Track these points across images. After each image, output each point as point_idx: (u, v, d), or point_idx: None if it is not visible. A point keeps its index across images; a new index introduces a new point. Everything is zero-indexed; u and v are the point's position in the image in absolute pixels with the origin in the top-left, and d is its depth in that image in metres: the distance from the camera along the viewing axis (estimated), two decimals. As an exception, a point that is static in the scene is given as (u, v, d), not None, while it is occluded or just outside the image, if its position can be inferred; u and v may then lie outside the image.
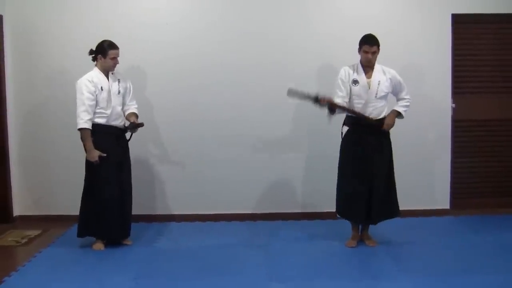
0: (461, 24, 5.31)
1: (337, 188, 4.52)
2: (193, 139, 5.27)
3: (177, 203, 5.33)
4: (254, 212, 5.32)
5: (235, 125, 5.26)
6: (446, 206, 5.43)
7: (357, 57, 4.40)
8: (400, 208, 5.19)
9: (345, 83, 4.31)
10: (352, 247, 4.43)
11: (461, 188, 5.52)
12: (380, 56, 5.05)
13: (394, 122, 4.38)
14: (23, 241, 4.75)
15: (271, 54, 5.21)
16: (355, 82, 4.31)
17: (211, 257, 4.30)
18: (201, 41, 5.20)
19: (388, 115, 4.37)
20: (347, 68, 4.37)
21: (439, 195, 5.42)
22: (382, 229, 4.49)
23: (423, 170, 5.38)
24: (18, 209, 5.35)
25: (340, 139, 4.48)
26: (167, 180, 5.32)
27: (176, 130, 5.26)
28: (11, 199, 5.29)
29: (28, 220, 5.27)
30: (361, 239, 4.55)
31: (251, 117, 5.26)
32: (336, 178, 4.52)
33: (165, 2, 5.19)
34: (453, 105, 5.39)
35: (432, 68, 5.28)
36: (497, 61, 5.46)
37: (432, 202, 5.40)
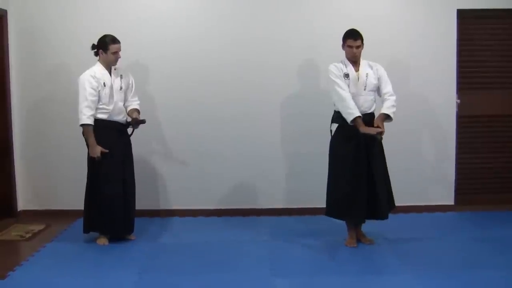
0: (467, 19, 5.28)
1: (329, 189, 4.41)
2: (196, 136, 5.27)
3: (180, 198, 5.33)
4: (257, 207, 5.32)
5: (238, 122, 5.26)
6: (451, 202, 5.41)
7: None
8: (404, 204, 5.21)
9: (341, 76, 4.24)
10: (353, 246, 4.37)
11: (465, 184, 5.50)
12: (384, 52, 5.06)
13: (383, 126, 4.21)
14: (27, 235, 4.76)
15: (274, 53, 5.19)
16: (346, 75, 4.26)
17: (214, 252, 4.31)
18: (204, 38, 5.19)
19: (376, 118, 4.26)
20: (335, 64, 4.30)
21: (444, 191, 5.40)
22: (385, 224, 4.47)
23: (427, 165, 5.36)
24: (22, 204, 5.36)
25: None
26: (170, 175, 5.32)
27: (179, 126, 5.26)
28: (15, 193, 5.30)
29: (32, 215, 5.28)
30: (357, 238, 4.46)
31: (253, 114, 5.26)
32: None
33: (169, -1, 5.20)
34: (458, 100, 5.36)
35: (437, 64, 5.25)
36: (502, 56, 5.42)
37: (436, 198, 5.38)
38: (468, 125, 5.46)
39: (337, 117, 4.34)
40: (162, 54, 5.18)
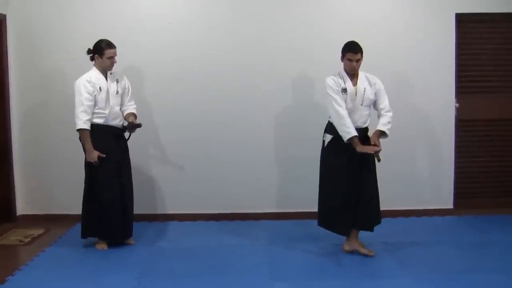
0: (465, 23, 5.29)
1: (321, 200, 4.36)
2: (195, 140, 5.26)
3: (179, 203, 5.33)
4: (256, 211, 5.31)
5: (237, 126, 5.26)
6: (450, 206, 5.41)
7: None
8: (404, 208, 5.20)
9: (339, 92, 4.15)
10: (352, 250, 4.34)
11: (464, 188, 5.50)
12: (383, 56, 5.07)
13: (380, 143, 4.16)
14: (26, 240, 4.76)
15: (272, 57, 5.20)
16: (344, 90, 4.16)
17: (213, 256, 4.30)
18: (201, 43, 5.19)
19: (372, 135, 4.19)
20: (333, 77, 4.20)
21: (443, 195, 5.40)
22: (384, 228, 4.47)
23: (426, 169, 5.36)
24: (21, 208, 5.35)
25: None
26: (168, 179, 5.31)
27: (178, 130, 5.25)
28: (14, 198, 5.30)
29: (31, 219, 5.28)
30: (355, 248, 4.32)
31: (252, 119, 5.26)
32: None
33: (166, 3, 5.18)
34: (457, 104, 5.37)
35: (436, 68, 5.25)
36: (501, 60, 5.43)
37: (435, 202, 5.38)
38: (467, 129, 5.46)
39: (332, 128, 4.24)
40: (160, 57, 5.19)
